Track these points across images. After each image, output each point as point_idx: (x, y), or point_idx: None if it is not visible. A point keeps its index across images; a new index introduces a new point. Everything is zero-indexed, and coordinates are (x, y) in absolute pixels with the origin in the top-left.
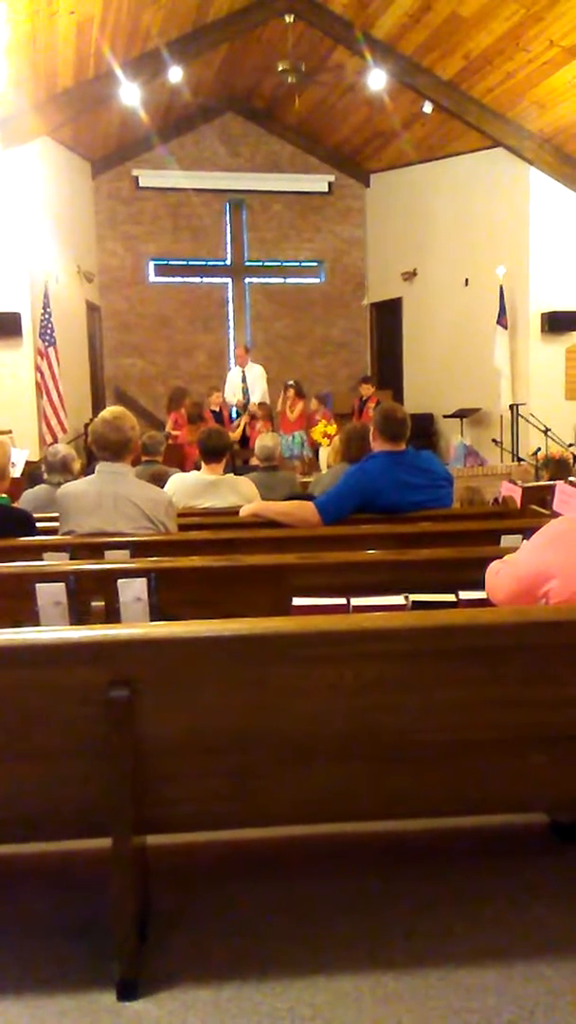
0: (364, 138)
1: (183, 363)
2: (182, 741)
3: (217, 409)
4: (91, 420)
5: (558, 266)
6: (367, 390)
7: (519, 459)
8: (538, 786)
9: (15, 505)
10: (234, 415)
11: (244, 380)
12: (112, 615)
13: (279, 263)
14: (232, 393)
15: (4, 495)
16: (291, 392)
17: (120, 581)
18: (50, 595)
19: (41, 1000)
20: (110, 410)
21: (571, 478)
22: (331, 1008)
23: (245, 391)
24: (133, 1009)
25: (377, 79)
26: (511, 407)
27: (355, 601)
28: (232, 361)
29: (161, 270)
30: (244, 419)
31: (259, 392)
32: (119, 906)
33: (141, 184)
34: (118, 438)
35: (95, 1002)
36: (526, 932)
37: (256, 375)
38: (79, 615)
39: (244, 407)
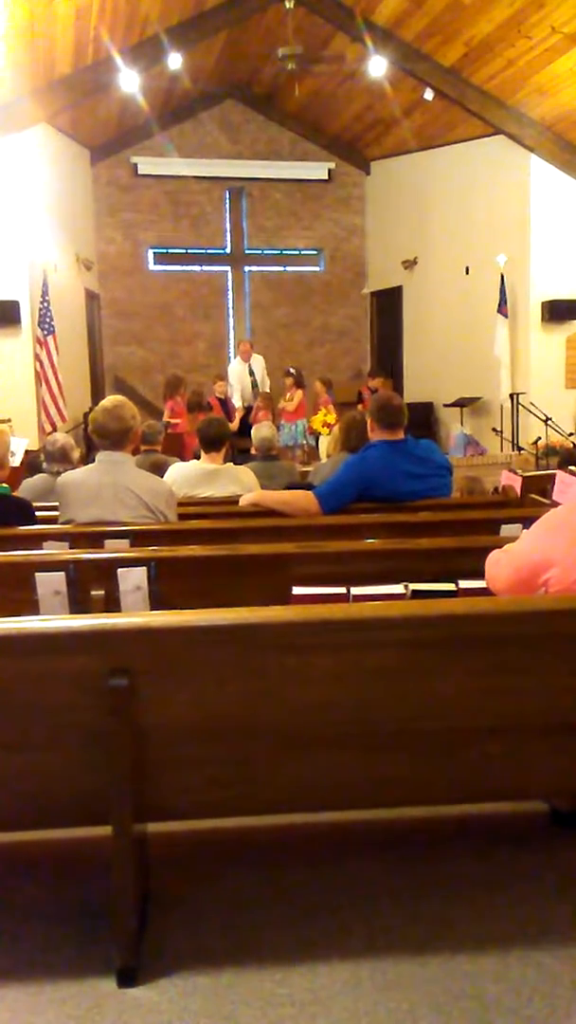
0: (364, 125)
1: (183, 352)
2: (181, 729)
3: (223, 397)
4: (91, 409)
5: (559, 254)
6: (376, 382)
7: (519, 448)
8: (538, 774)
9: (15, 494)
10: (237, 403)
11: (252, 374)
12: (112, 604)
13: (279, 251)
14: (240, 386)
15: (4, 484)
16: (289, 381)
17: (120, 570)
18: (50, 584)
19: (41, 987)
20: (110, 399)
21: (571, 467)
22: (330, 994)
23: (254, 384)
24: (133, 995)
25: (377, 66)
26: (511, 396)
27: (355, 590)
28: (232, 352)
29: (160, 258)
30: (240, 412)
31: (265, 383)
32: (119, 893)
33: (140, 171)
34: (118, 427)
35: (95, 988)
36: (525, 919)
37: (261, 367)
38: (79, 604)
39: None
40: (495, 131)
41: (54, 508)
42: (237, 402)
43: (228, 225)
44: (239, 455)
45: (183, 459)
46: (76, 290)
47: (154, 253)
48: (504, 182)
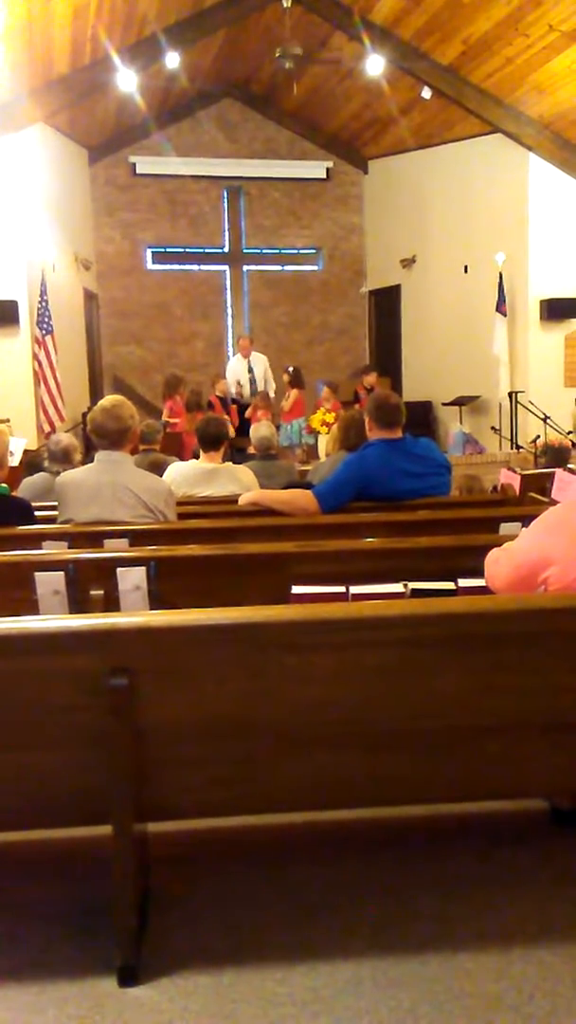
0: (362, 124)
1: (181, 351)
2: (182, 729)
3: (223, 396)
4: (89, 409)
5: (557, 253)
6: (371, 379)
7: (518, 447)
8: (538, 772)
9: (14, 493)
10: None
11: (251, 371)
12: (111, 604)
13: (277, 250)
14: (238, 383)
15: (3, 484)
16: (284, 378)
17: (119, 570)
18: (49, 584)
19: (42, 986)
20: (109, 399)
21: (570, 465)
22: (331, 993)
23: (252, 381)
24: (133, 995)
25: (375, 64)
26: (510, 395)
27: (354, 589)
28: (232, 350)
29: (159, 257)
30: (235, 410)
31: (266, 382)
32: (120, 893)
33: (138, 171)
34: (117, 427)
35: (96, 988)
36: (526, 917)
37: (263, 365)
38: (78, 604)
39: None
40: (493, 129)
41: (53, 508)
42: (232, 391)
43: (226, 224)
44: (236, 454)
45: (182, 458)
46: (74, 290)
47: (152, 252)
48: (502, 180)
